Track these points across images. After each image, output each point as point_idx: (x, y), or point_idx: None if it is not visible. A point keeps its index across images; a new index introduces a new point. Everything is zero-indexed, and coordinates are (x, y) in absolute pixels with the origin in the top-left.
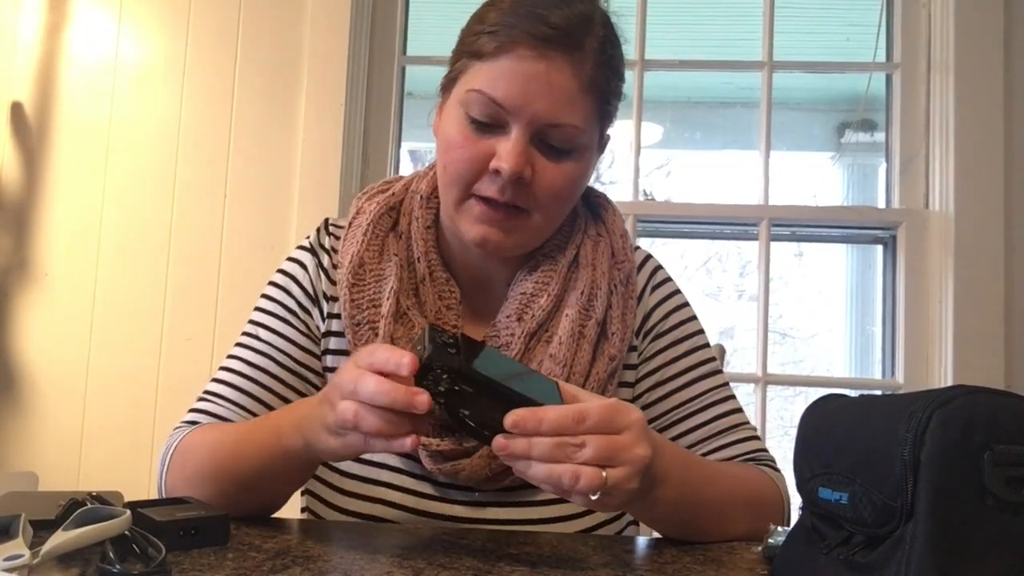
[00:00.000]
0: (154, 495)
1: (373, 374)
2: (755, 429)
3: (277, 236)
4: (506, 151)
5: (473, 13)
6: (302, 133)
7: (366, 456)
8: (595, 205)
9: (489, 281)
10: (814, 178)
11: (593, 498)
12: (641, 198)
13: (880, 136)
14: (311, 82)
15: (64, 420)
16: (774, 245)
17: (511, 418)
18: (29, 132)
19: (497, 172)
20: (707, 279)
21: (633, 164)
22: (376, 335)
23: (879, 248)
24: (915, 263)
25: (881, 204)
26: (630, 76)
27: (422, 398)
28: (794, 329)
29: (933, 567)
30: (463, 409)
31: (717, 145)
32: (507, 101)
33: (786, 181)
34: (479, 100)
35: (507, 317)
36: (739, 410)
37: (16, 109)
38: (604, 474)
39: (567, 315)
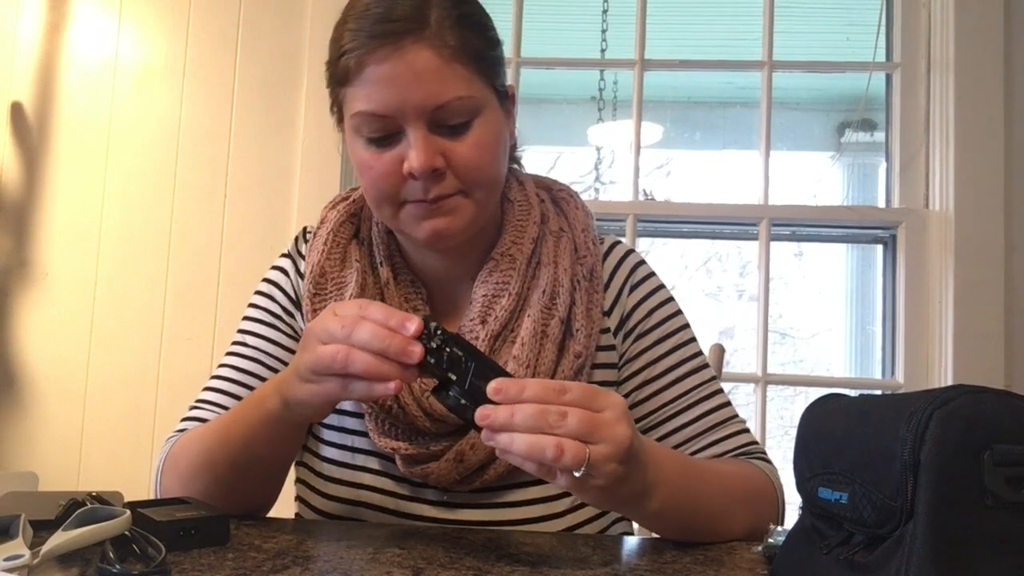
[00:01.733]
0: (154, 495)
1: (369, 321)
2: (744, 422)
3: (277, 236)
4: (410, 153)
5: (329, 42)
6: (302, 133)
7: (348, 460)
8: (558, 199)
9: (452, 280)
10: (814, 178)
11: (577, 475)
12: (641, 198)
13: (880, 136)
14: (311, 82)
15: (64, 420)
16: (774, 245)
17: (495, 384)
18: (29, 132)
19: (412, 175)
20: (707, 279)
21: (633, 164)
22: None
23: (879, 248)
24: (915, 263)
25: (881, 204)
26: (630, 76)
27: (416, 348)
28: (794, 329)
29: (933, 567)
30: (451, 373)
31: (717, 145)
32: (387, 109)
33: (786, 181)
34: (365, 121)
35: (471, 320)
36: (727, 404)
37: (16, 109)
38: (587, 450)
39: (529, 315)
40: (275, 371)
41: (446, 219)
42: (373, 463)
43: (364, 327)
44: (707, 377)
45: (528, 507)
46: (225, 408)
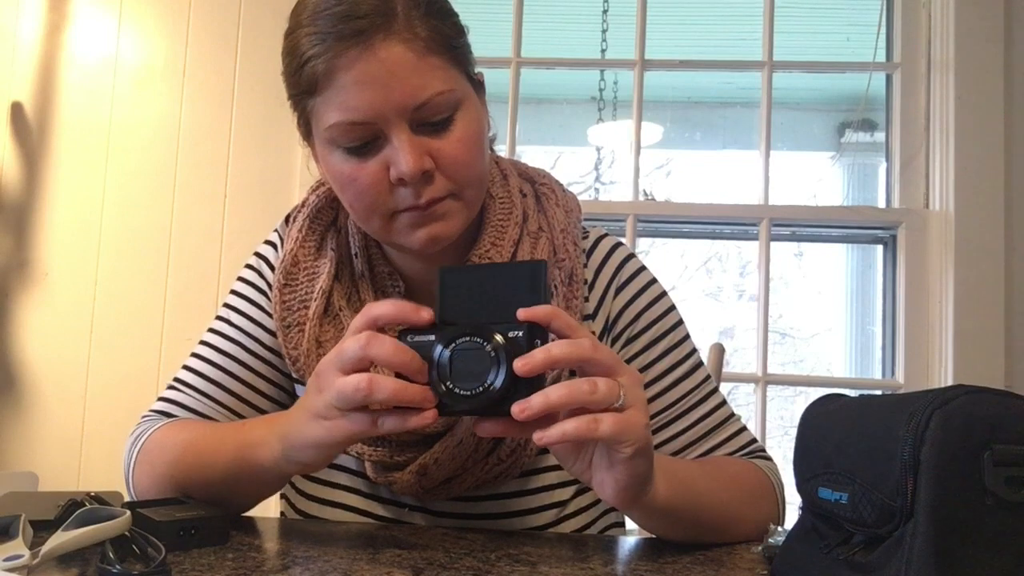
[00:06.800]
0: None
1: (383, 338)
2: (741, 419)
3: None
4: (397, 158)
5: (282, 52)
6: None
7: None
8: (540, 195)
9: (430, 277)
10: (814, 178)
11: (623, 454)
12: (641, 198)
13: (880, 136)
14: None
15: (64, 420)
16: (774, 245)
17: (520, 363)
18: (29, 132)
19: (402, 181)
20: (707, 279)
21: (633, 164)
22: (304, 337)
23: (879, 248)
24: (915, 263)
25: (881, 204)
26: (630, 76)
27: (429, 396)
28: (794, 329)
29: (933, 567)
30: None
31: (717, 145)
32: (366, 116)
33: (786, 181)
34: (342, 130)
35: None
36: (724, 403)
37: (16, 109)
38: (623, 417)
39: None
40: (254, 354)
41: (441, 224)
42: (350, 463)
43: (381, 341)
44: (702, 378)
45: (508, 519)
46: (202, 393)
